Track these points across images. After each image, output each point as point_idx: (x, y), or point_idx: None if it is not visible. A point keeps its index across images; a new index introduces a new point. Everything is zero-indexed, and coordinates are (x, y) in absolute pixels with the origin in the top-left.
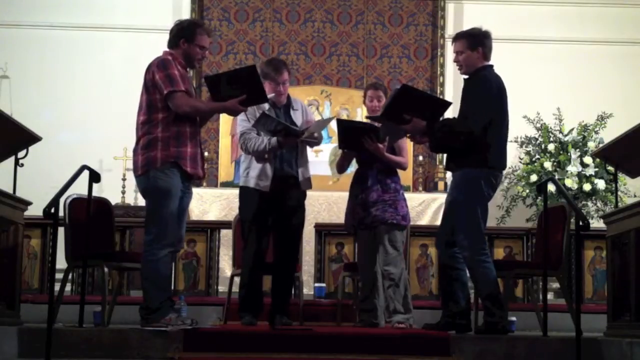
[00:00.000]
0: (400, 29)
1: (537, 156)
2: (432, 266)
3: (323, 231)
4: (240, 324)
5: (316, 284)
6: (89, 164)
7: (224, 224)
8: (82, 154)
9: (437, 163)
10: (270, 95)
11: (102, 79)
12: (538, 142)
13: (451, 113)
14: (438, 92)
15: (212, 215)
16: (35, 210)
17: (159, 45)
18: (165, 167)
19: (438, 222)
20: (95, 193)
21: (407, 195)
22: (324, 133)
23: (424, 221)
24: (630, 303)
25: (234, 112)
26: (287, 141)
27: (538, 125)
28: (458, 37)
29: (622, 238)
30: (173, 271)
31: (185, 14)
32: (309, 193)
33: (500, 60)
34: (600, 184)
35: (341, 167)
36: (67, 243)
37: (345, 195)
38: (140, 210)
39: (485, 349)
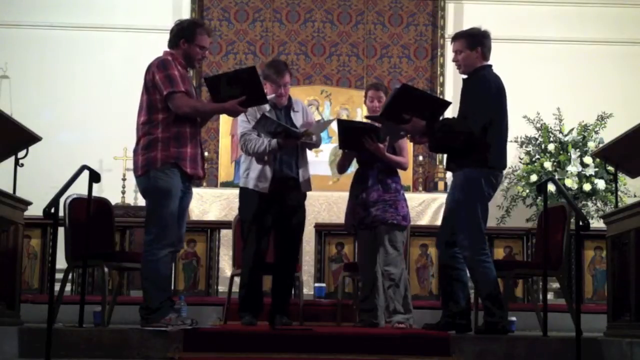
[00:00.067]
0: (400, 29)
1: (537, 156)
2: (432, 266)
3: (323, 231)
4: (240, 324)
5: (316, 284)
6: (89, 164)
7: (224, 224)
8: (82, 154)
9: (437, 163)
10: (270, 97)
11: (102, 79)
12: (538, 142)
13: (451, 113)
14: (438, 92)
15: (212, 215)
16: (35, 210)
17: (159, 45)
18: (165, 168)
19: (438, 222)
20: (95, 193)
21: (407, 195)
22: (324, 133)
23: (424, 221)
24: (630, 303)
25: (233, 113)
26: (287, 143)
27: (538, 125)
28: (457, 37)
29: (622, 238)
30: (173, 271)
31: (185, 14)
32: (309, 193)
33: (500, 60)
34: (600, 184)
35: (342, 167)
36: (67, 243)
37: (345, 195)
38: (140, 210)
39: (485, 349)
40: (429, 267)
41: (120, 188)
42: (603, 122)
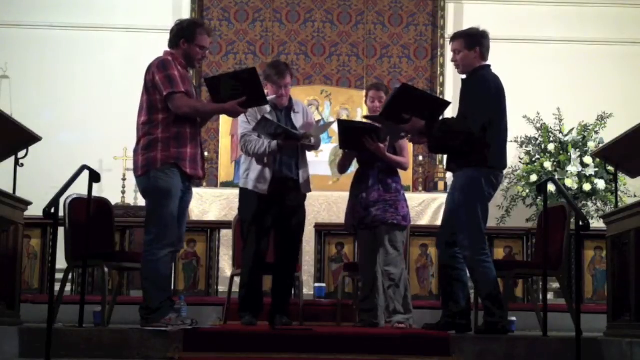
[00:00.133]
0: (400, 29)
1: (537, 156)
2: (432, 266)
3: (323, 231)
4: (240, 324)
5: (316, 284)
6: (89, 164)
7: (224, 224)
8: (82, 154)
9: (437, 163)
10: (271, 98)
11: (102, 79)
12: (538, 142)
13: (450, 113)
14: (438, 92)
15: (212, 215)
16: (35, 210)
17: (159, 45)
18: (165, 168)
19: (438, 222)
20: (95, 193)
21: (407, 195)
22: (324, 134)
23: (424, 221)
24: (630, 303)
25: (233, 114)
26: (287, 145)
27: (538, 125)
28: (456, 37)
29: (622, 238)
30: (173, 271)
31: (185, 14)
32: (309, 193)
33: (500, 60)
34: (600, 184)
35: (342, 167)
36: (67, 243)
37: (345, 195)
38: (140, 210)
39: (485, 349)
40: (429, 267)
41: (120, 188)
42: (603, 122)
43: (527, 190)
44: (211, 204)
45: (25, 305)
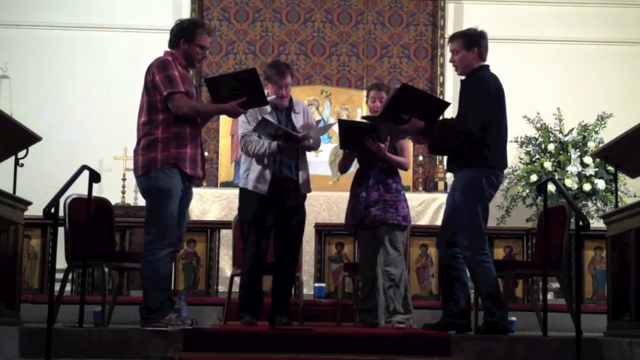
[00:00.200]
0: (400, 29)
1: (537, 156)
2: (432, 266)
3: (323, 231)
4: (240, 324)
5: (316, 284)
6: (89, 164)
7: (224, 224)
8: (82, 154)
9: (437, 163)
10: (271, 98)
11: (102, 79)
12: (538, 142)
13: (450, 114)
14: (438, 92)
15: (212, 215)
16: (35, 210)
17: (159, 45)
18: (165, 168)
19: (438, 222)
20: (95, 193)
21: (407, 195)
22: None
23: (424, 221)
24: (630, 303)
25: (233, 114)
26: (287, 146)
27: (538, 125)
28: (454, 37)
29: (622, 238)
30: (173, 271)
31: (185, 14)
32: (309, 193)
33: (500, 60)
34: (600, 184)
35: (343, 167)
36: (67, 243)
37: (345, 195)
38: (140, 210)
39: (485, 349)
40: (429, 267)
41: (120, 188)
42: (603, 122)
43: (527, 190)
44: (211, 204)
45: (25, 305)
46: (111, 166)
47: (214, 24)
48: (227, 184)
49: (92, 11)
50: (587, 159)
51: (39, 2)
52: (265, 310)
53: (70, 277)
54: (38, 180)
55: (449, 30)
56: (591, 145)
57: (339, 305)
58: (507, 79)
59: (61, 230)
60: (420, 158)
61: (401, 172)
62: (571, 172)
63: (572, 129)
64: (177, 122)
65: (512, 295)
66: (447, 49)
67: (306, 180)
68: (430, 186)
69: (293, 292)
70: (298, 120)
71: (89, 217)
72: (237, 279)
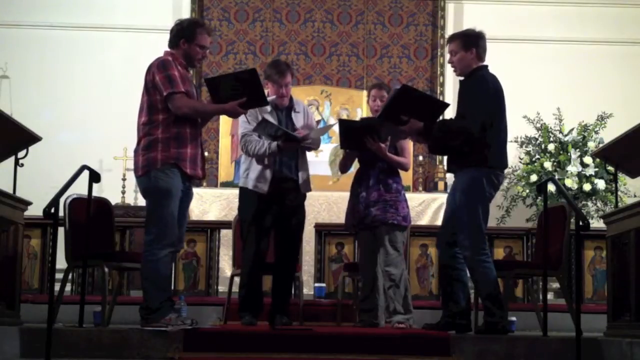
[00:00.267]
0: (400, 29)
1: (537, 156)
2: (432, 266)
3: (323, 231)
4: (240, 324)
5: (316, 284)
6: (89, 164)
7: (224, 224)
8: (82, 154)
9: (437, 163)
10: (271, 98)
11: (102, 79)
12: (538, 142)
13: (450, 114)
14: (438, 92)
15: (212, 215)
16: (35, 210)
17: (159, 45)
18: (165, 168)
19: (438, 222)
20: (95, 193)
21: (407, 195)
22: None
23: (424, 221)
24: (630, 303)
25: (233, 115)
26: (287, 146)
27: (538, 125)
28: (452, 38)
29: (622, 238)
30: (173, 271)
31: (185, 13)
32: (309, 193)
33: (500, 60)
34: (600, 184)
35: (344, 166)
36: (67, 243)
37: (345, 195)
38: (140, 210)
39: (485, 349)
40: (429, 267)
41: (120, 188)
42: (603, 122)
43: (527, 190)
44: (211, 204)
45: (25, 305)
46: (111, 166)
47: (214, 24)
48: (227, 184)
49: (92, 11)
50: (587, 159)
51: (39, 2)
52: (265, 310)
53: (70, 277)
54: (38, 180)
55: (449, 30)
56: (591, 145)
57: (339, 305)
58: (507, 79)
59: (61, 230)
60: (420, 158)
61: (401, 172)
62: (571, 172)
63: (572, 129)
64: (177, 122)
65: (512, 295)
66: (447, 49)
67: (306, 180)
68: (430, 186)
69: (293, 292)
70: (298, 120)
71: (89, 217)
72: (237, 279)
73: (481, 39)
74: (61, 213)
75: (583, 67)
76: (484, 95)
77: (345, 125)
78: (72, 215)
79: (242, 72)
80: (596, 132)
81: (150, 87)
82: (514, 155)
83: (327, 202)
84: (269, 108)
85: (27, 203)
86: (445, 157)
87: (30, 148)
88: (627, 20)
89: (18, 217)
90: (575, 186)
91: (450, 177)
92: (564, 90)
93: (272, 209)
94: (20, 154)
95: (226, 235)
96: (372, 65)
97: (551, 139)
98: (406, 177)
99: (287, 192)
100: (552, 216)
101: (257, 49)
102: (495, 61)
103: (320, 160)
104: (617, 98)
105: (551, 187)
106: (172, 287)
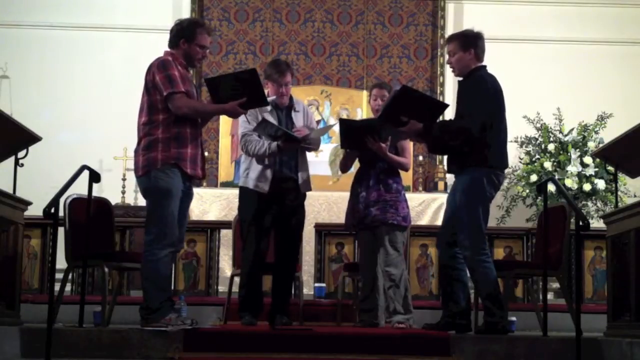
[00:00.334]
0: (400, 29)
1: (537, 156)
2: (432, 266)
3: (323, 231)
4: (240, 324)
5: (316, 284)
6: (89, 164)
7: (224, 224)
8: (82, 154)
9: (437, 163)
10: (272, 98)
11: (102, 79)
12: (538, 142)
13: (450, 114)
14: (438, 92)
15: (212, 215)
16: (35, 210)
17: (159, 45)
18: (165, 168)
19: (438, 222)
20: (95, 193)
21: (407, 195)
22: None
23: (424, 221)
24: (630, 303)
25: (233, 115)
26: (287, 146)
27: (538, 125)
28: (451, 39)
29: (622, 238)
30: (173, 271)
31: (185, 13)
32: (309, 193)
33: (500, 60)
34: (600, 184)
35: (345, 166)
36: (67, 243)
37: (345, 195)
38: (140, 210)
39: (485, 349)
40: (429, 267)
41: (120, 188)
42: (603, 122)
43: (527, 190)
44: (211, 204)
45: (25, 305)
46: (111, 166)
47: (214, 24)
48: (227, 184)
49: (92, 11)
50: (587, 159)
51: (39, 2)
52: (265, 310)
53: (70, 277)
54: (38, 180)
55: (449, 30)
56: (591, 145)
57: (339, 305)
58: (507, 79)
59: (61, 230)
60: (420, 158)
61: (401, 172)
62: (571, 172)
63: (572, 129)
64: (177, 122)
65: (512, 295)
66: (446, 49)
67: (306, 179)
68: (430, 186)
69: (293, 292)
70: (298, 119)
71: (89, 217)
72: (237, 279)
73: (480, 39)
74: (61, 213)
75: (583, 67)
76: (483, 95)
77: (346, 125)
78: (72, 215)
79: (242, 72)
80: (596, 132)
81: (150, 87)
82: (514, 155)
83: (327, 202)
84: (269, 107)
85: (27, 203)
86: (445, 157)
87: (30, 148)
88: (627, 20)
89: (18, 217)
90: (575, 186)
91: (450, 177)
92: (564, 90)
93: (272, 209)
94: (20, 154)
95: (226, 235)
96: (372, 65)
97: (551, 139)
98: (406, 177)
99: (287, 191)
100: (552, 216)
101: (257, 49)
102: (495, 61)
103: (320, 160)
104: (617, 98)
105: (551, 187)
106: (172, 287)
